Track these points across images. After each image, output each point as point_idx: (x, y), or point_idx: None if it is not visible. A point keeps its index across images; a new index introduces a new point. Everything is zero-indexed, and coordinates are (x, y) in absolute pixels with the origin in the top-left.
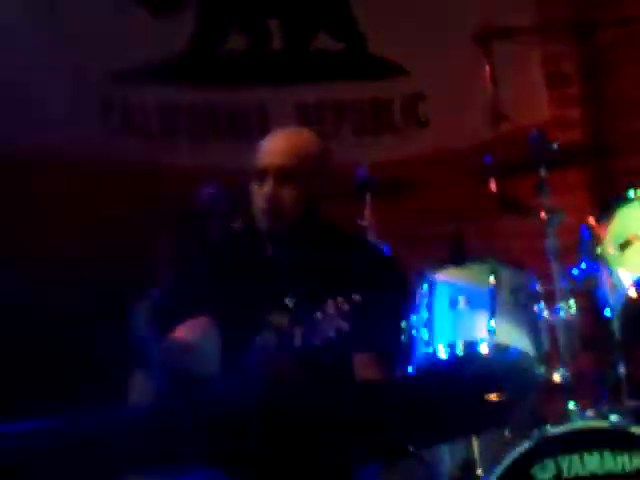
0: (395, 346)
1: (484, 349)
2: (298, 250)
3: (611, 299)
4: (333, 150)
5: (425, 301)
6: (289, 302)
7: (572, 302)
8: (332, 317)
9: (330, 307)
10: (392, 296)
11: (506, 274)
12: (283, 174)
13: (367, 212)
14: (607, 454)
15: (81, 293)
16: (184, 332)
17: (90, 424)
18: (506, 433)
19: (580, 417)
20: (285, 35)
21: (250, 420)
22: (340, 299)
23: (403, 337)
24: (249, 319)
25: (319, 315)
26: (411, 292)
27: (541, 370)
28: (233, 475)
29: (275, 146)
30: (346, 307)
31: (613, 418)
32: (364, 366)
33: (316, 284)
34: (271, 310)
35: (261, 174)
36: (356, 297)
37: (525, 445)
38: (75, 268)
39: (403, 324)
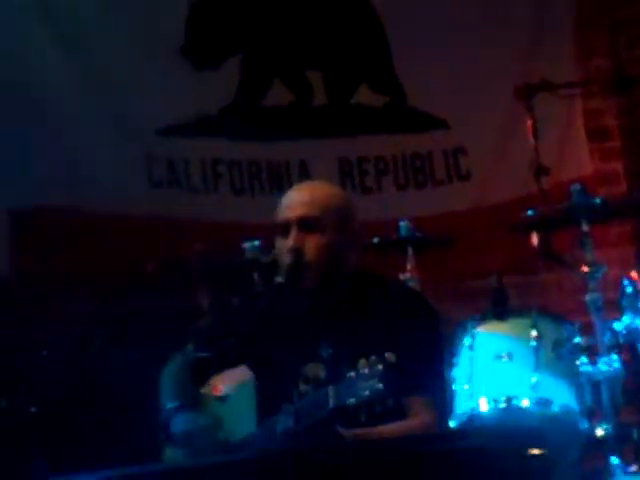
0: (439, 388)
1: (526, 403)
2: (328, 300)
3: None
4: (373, 204)
5: (467, 354)
6: (323, 352)
7: (615, 356)
8: (366, 377)
9: (364, 366)
10: (430, 342)
11: (548, 327)
12: (305, 224)
13: (409, 266)
14: None
15: (118, 349)
16: (222, 383)
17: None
18: None
19: (623, 472)
20: (327, 89)
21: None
22: (373, 358)
23: (445, 383)
24: (285, 371)
25: (353, 375)
26: (452, 345)
27: (584, 425)
28: None
29: (296, 198)
30: (380, 366)
31: None
32: (416, 408)
33: (350, 333)
34: (306, 361)
35: (284, 227)
36: (390, 356)
37: None
38: (120, 322)
39: (444, 371)
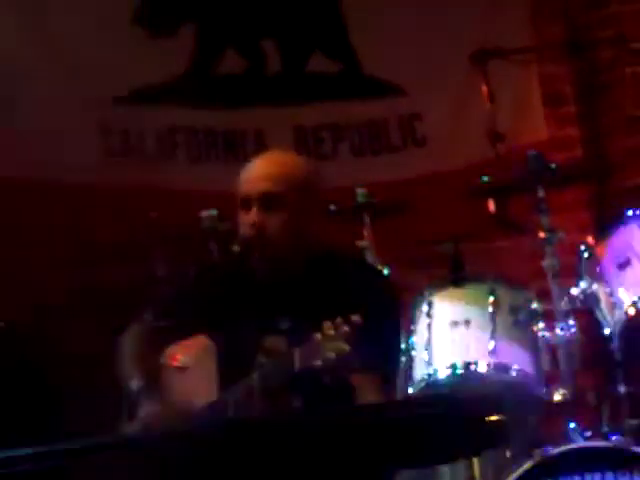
0: (395, 367)
1: (484, 369)
2: (290, 274)
3: (610, 318)
4: (329, 171)
5: (425, 321)
6: (283, 325)
7: (572, 321)
8: (331, 338)
9: (329, 328)
10: (389, 317)
11: (505, 294)
12: (268, 200)
13: (366, 233)
14: (608, 474)
15: (80, 318)
16: (180, 352)
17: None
18: (507, 453)
19: (581, 437)
20: (281, 57)
21: (244, 444)
22: (339, 320)
23: (402, 358)
24: (245, 342)
25: (318, 336)
26: (409, 312)
27: (541, 390)
28: None
29: (258, 171)
30: (345, 328)
31: (613, 438)
32: (364, 388)
33: (311, 306)
34: (266, 333)
35: (245, 201)
36: (355, 318)
37: (526, 465)
38: (74, 293)
39: (402, 345)
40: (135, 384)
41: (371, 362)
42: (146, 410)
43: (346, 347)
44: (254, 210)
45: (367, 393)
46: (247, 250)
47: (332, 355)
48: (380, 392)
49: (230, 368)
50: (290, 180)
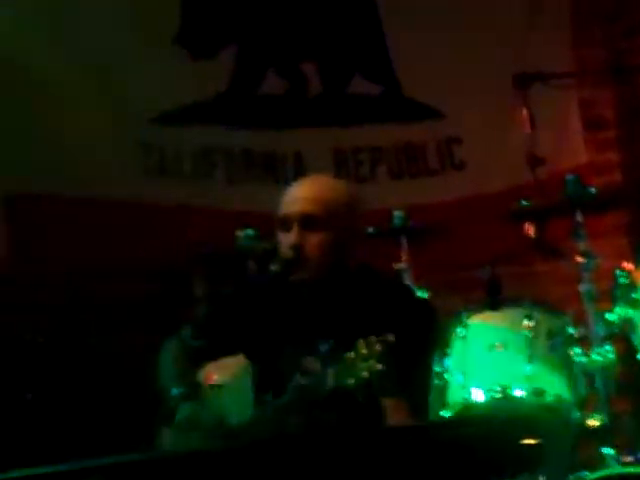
0: (425, 392)
1: (520, 393)
2: (328, 295)
3: None
4: (367, 194)
5: (461, 345)
6: (322, 348)
7: (608, 347)
8: (365, 357)
9: (362, 347)
10: (423, 339)
11: (542, 318)
12: (307, 221)
13: (403, 256)
14: None
15: (116, 334)
16: (215, 371)
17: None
18: (541, 478)
19: (616, 462)
20: (322, 79)
21: (280, 462)
22: (373, 339)
23: (437, 381)
24: (282, 363)
25: (352, 355)
26: (445, 335)
27: (577, 415)
28: None
29: (298, 193)
30: (379, 347)
31: None
32: (394, 411)
33: (349, 328)
34: (304, 355)
35: (285, 222)
36: (389, 337)
37: None
38: (112, 310)
39: (437, 368)
40: (176, 390)
41: (402, 385)
42: (184, 412)
43: (379, 366)
44: (294, 231)
45: (395, 416)
46: (286, 270)
47: (365, 374)
48: (408, 416)
49: (266, 389)
50: (330, 202)
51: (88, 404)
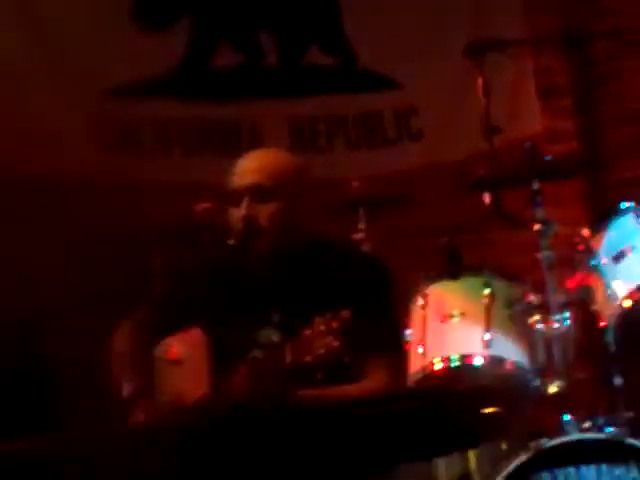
0: (394, 345)
1: (479, 362)
2: (282, 266)
3: (606, 311)
4: (324, 164)
5: (420, 314)
6: (276, 317)
7: (567, 314)
8: (321, 334)
9: (319, 324)
10: (382, 297)
11: (501, 286)
12: (258, 193)
13: (361, 226)
14: (603, 466)
15: (77, 315)
16: (174, 345)
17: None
18: (502, 446)
19: (576, 429)
20: (278, 50)
21: (239, 438)
22: (329, 316)
23: (401, 339)
24: (239, 336)
25: (308, 333)
26: (404, 304)
27: (537, 382)
28: None
29: (247, 166)
30: (335, 324)
31: (609, 430)
32: (373, 367)
33: (304, 298)
34: (259, 327)
35: (236, 195)
36: (345, 313)
37: (521, 457)
38: (71, 290)
39: (400, 324)
40: (126, 389)
41: (373, 342)
42: (140, 413)
43: (335, 343)
44: (244, 203)
45: (376, 372)
46: (242, 244)
47: (322, 351)
48: (389, 368)
49: (224, 362)
50: (278, 172)
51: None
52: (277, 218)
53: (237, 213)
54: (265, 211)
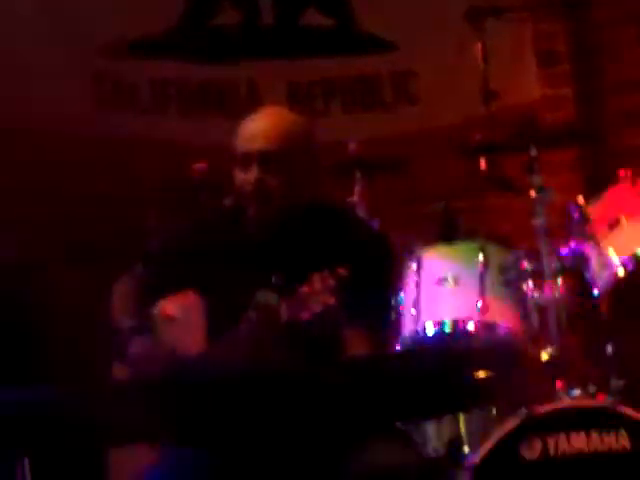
0: (384, 321)
1: (472, 327)
2: (283, 229)
3: (599, 278)
4: (321, 127)
5: (414, 278)
6: (275, 280)
7: (560, 281)
8: (318, 291)
9: (316, 281)
10: (378, 270)
11: (495, 252)
12: (267, 159)
13: (357, 189)
14: (594, 433)
15: (67, 268)
16: (169, 305)
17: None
18: (493, 411)
19: (567, 396)
20: (275, 9)
21: (233, 396)
22: (326, 273)
23: (391, 313)
24: (235, 297)
25: (305, 289)
26: (398, 268)
27: (529, 349)
28: (216, 451)
29: (257, 129)
30: (332, 281)
31: (600, 397)
32: (354, 342)
33: (302, 261)
34: (257, 288)
35: (244, 158)
36: (342, 271)
37: (512, 423)
38: (62, 242)
39: (391, 300)
40: (127, 323)
41: (360, 315)
42: (137, 346)
43: (332, 300)
44: (254, 168)
45: (356, 346)
46: (241, 205)
47: (318, 308)
48: (369, 345)
49: (219, 322)
50: (289, 138)
51: (42, 337)
52: (286, 185)
53: (244, 176)
54: (274, 179)
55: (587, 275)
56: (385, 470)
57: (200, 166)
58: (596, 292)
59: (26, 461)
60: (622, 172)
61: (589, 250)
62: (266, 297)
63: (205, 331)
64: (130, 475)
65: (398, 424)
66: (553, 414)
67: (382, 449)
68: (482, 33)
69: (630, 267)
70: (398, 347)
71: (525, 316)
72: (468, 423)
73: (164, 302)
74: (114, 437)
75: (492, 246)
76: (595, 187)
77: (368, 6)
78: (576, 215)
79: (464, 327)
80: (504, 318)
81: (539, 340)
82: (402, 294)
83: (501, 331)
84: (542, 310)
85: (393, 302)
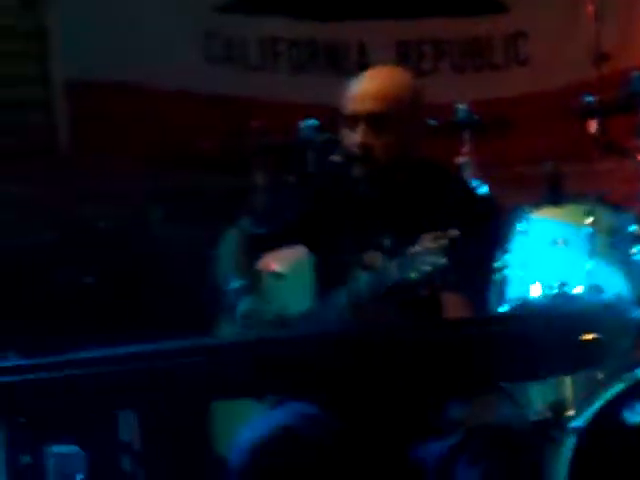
0: (486, 287)
1: (579, 290)
2: (392, 191)
3: None
4: (429, 87)
5: (521, 240)
6: (385, 242)
7: None
8: (429, 251)
9: (427, 241)
10: (486, 231)
11: (604, 215)
12: (375, 120)
13: (465, 150)
14: None
15: (174, 224)
16: (277, 260)
17: (171, 352)
18: (599, 375)
19: None
20: None
21: (340, 354)
22: (438, 233)
23: (496, 276)
24: (343, 255)
25: (416, 249)
26: (506, 230)
27: (636, 312)
28: (324, 406)
29: (366, 90)
30: (443, 241)
31: None
32: (453, 306)
33: (411, 223)
34: (365, 249)
35: (352, 119)
36: (453, 232)
37: (617, 388)
38: (170, 198)
39: (497, 263)
40: (234, 283)
41: (462, 281)
42: (245, 306)
43: (443, 260)
44: (361, 129)
45: (454, 311)
46: (348, 163)
47: (428, 268)
48: (467, 311)
49: (326, 281)
50: (399, 99)
51: (149, 293)
52: (393, 147)
53: (353, 138)
54: (381, 141)
55: None
56: (490, 426)
57: (308, 123)
58: None
59: (134, 415)
60: None
61: None
62: (373, 257)
63: (312, 288)
64: (234, 431)
65: (503, 385)
66: None
67: (488, 406)
68: None
69: None
70: (504, 309)
71: (633, 279)
72: (573, 387)
73: (271, 257)
74: (222, 391)
75: (602, 209)
76: None
77: None
78: None
79: (572, 290)
80: (612, 281)
81: None
82: (509, 255)
83: (609, 294)
84: None
85: (500, 263)
